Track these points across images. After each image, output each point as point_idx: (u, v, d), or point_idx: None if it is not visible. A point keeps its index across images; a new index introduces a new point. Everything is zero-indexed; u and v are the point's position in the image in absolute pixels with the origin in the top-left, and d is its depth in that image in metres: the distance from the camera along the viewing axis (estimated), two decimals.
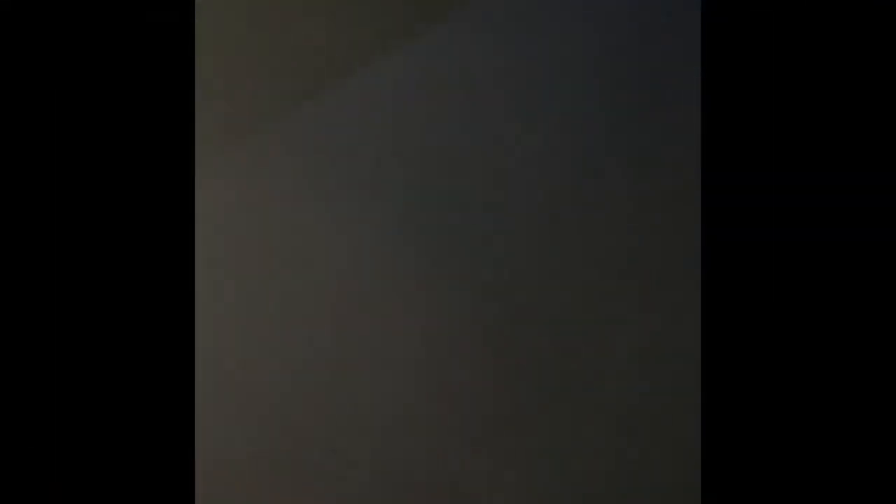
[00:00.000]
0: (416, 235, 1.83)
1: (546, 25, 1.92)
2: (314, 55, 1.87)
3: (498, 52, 1.91)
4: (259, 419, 1.75)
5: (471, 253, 1.83)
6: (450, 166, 1.86)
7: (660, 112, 1.89)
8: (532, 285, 1.82)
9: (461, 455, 1.75)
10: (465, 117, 1.88)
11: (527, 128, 1.88)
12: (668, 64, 1.91)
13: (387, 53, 1.89)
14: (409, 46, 1.90)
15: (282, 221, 1.82)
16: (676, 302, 1.82)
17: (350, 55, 1.88)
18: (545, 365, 1.79)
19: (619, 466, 1.75)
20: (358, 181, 1.85)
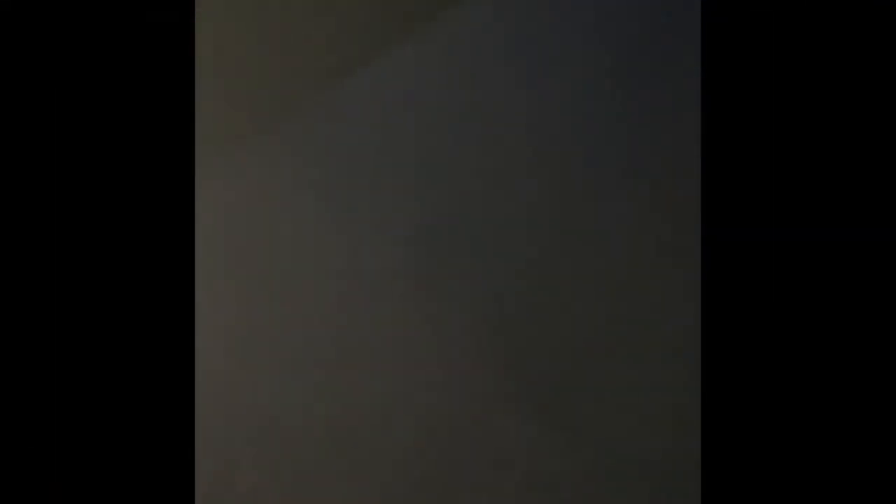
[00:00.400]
0: (415, 236, 1.83)
1: (546, 26, 1.92)
2: (314, 56, 1.87)
3: (498, 52, 1.91)
4: (257, 418, 1.75)
5: (471, 252, 1.83)
6: (450, 167, 1.86)
7: (660, 113, 1.89)
8: (531, 286, 1.82)
9: (458, 455, 1.75)
10: (466, 118, 1.88)
11: (527, 128, 1.88)
12: (668, 64, 1.91)
13: (387, 54, 1.89)
14: (409, 48, 1.90)
15: (282, 221, 1.82)
16: (676, 302, 1.82)
17: (350, 56, 1.88)
18: (544, 365, 1.79)
19: (619, 466, 1.75)
20: (358, 181, 1.85)
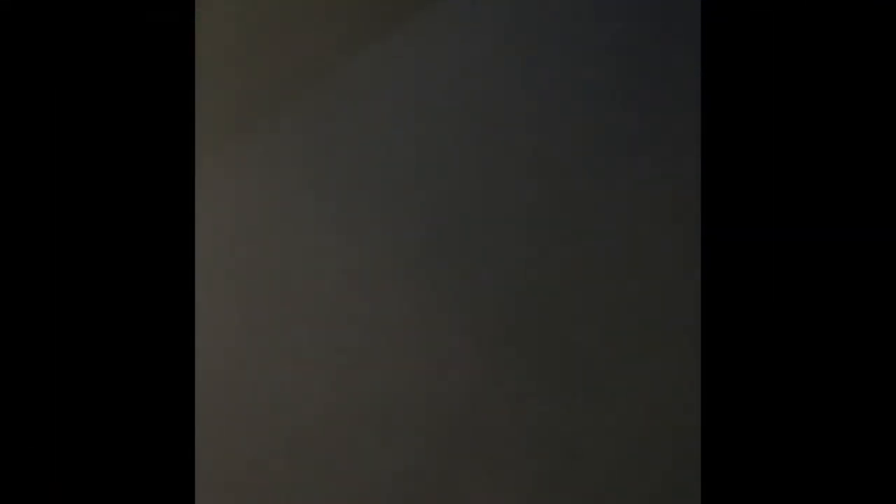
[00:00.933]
0: (415, 235, 1.83)
1: (546, 26, 1.92)
2: (314, 55, 1.87)
3: (498, 52, 1.91)
4: (257, 418, 1.75)
5: (471, 252, 1.83)
6: (450, 167, 1.86)
7: (660, 113, 1.89)
8: (531, 286, 1.82)
9: (458, 455, 1.75)
10: (466, 118, 1.88)
11: (527, 128, 1.88)
12: (668, 64, 1.91)
13: (387, 54, 1.89)
14: (409, 48, 1.90)
15: (282, 221, 1.82)
16: (676, 302, 1.82)
17: (350, 55, 1.88)
18: (544, 366, 1.79)
19: (618, 466, 1.75)
20: (358, 181, 1.85)
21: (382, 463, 1.74)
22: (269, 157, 1.84)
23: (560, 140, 1.88)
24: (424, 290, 1.81)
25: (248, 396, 1.75)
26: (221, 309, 1.78)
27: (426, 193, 1.85)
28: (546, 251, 1.83)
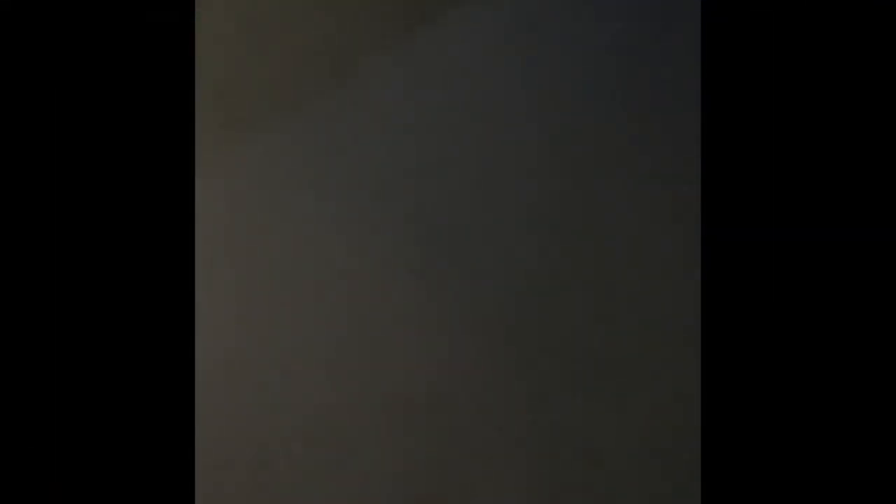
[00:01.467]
0: (415, 235, 1.83)
1: (546, 26, 1.92)
2: (314, 55, 1.87)
3: (498, 52, 1.91)
4: (257, 418, 1.75)
5: (471, 252, 1.83)
6: (450, 167, 1.86)
7: (660, 113, 1.89)
8: (532, 286, 1.82)
9: (459, 455, 1.75)
10: (466, 118, 1.88)
11: (526, 129, 1.88)
12: (668, 64, 1.91)
13: (387, 54, 1.89)
14: (409, 48, 1.90)
15: (282, 221, 1.82)
16: (676, 302, 1.82)
17: (350, 55, 1.88)
18: (544, 367, 1.79)
19: (619, 466, 1.75)
20: (358, 181, 1.85)
21: (382, 463, 1.74)
22: (269, 157, 1.84)
23: (560, 140, 1.88)
24: (424, 290, 1.81)
25: (248, 396, 1.75)
26: (221, 309, 1.78)
27: (426, 193, 1.85)
28: (546, 251, 1.83)
